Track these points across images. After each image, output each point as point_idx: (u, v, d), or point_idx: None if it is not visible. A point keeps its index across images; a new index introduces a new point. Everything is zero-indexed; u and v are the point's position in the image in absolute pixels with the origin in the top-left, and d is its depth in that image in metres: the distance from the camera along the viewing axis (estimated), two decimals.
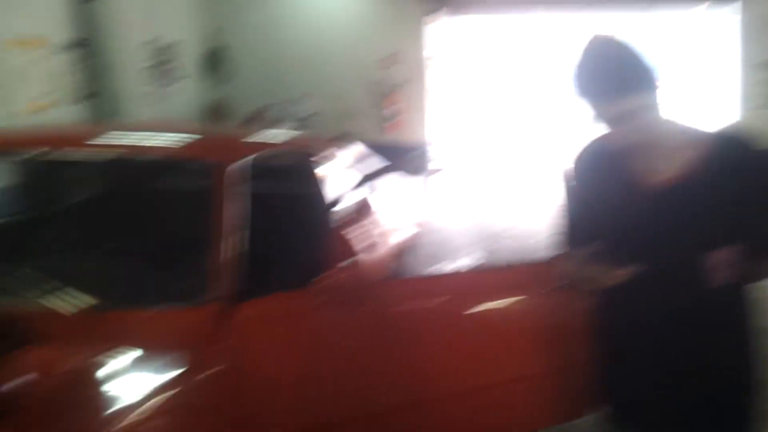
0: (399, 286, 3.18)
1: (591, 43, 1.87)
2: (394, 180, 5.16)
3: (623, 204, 1.94)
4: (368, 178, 4.47)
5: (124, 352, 2.35)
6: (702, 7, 13.81)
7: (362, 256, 3.66)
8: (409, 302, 3.01)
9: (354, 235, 3.76)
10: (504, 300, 3.16)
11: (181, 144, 3.57)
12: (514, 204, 10.23)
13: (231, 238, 2.77)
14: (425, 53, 11.23)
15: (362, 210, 4.13)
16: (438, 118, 11.87)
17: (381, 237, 4.20)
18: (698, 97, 18.63)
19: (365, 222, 4.07)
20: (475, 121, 22.23)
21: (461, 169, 12.01)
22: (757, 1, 10.12)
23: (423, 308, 2.99)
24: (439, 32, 11.73)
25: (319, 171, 3.85)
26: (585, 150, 2.13)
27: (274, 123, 9.99)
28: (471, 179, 11.58)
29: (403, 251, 4.62)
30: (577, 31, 19.34)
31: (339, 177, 4.13)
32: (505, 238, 8.03)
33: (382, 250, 4.11)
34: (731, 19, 10.59)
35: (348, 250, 2.95)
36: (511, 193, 11.02)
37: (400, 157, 11.12)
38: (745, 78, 10.33)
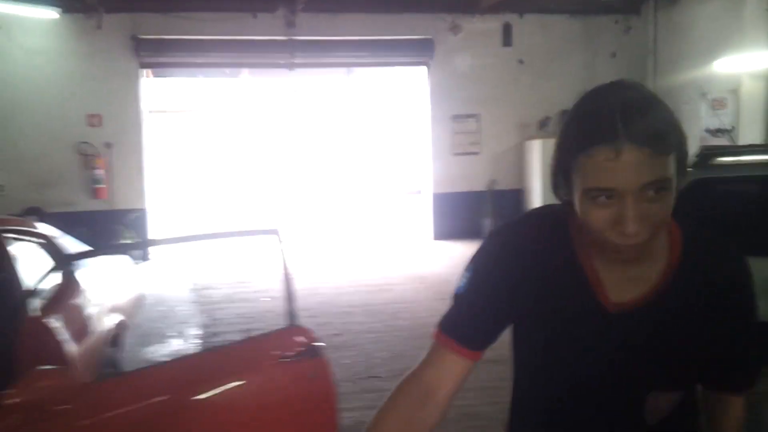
0: (114, 386, 2.78)
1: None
2: (100, 260, 4.65)
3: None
4: (68, 259, 3.96)
5: None
6: (396, 70, 15.31)
7: (68, 351, 3.18)
8: (127, 404, 2.63)
9: (56, 325, 3.27)
10: (231, 382, 2.94)
11: None
12: (233, 268, 10.00)
13: None
14: (141, 111, 10.62)
15: (63, 295, 3.63)
16: (154, 179, 11.30)
17: (88, 324, 3.73)
18: (398, 146, 20.37)
19: (68, 308, 3.58)
20: (192, 178, 21.83)
21: (178, 232, 11.59)
22: (440, 68, 11.38)
23: (144, 408, 2.64)
24: (156, 90, 11.26)
25: (9, 253, 3.31)
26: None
27: None
28: (189, 243, 11.05)
29: (115, 336, 4.16)
30: (283, 91, 20.31)
31: (32, 259, 3.60)
32: (231, 302, 7.79)
33: (90, 340, 3.64)
34: (422, 80, 11.81)
35: (49, 346, 2.51)
36: (230, 256, 10.80)
37: (114, 223, 10.41)
38: (434, 129, 11.50)
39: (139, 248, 10.84)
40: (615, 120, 1.16)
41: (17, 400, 2.30)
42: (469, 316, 1.50)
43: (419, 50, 11.47)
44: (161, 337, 6.45)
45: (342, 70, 15.67)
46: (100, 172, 10.21)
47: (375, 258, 10.49)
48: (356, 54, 11.65)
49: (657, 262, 1.33)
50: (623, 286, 1.34)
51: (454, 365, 1.50)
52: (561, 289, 1.38)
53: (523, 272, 1.40)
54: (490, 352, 1.51)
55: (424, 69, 11.76)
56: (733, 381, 1.42)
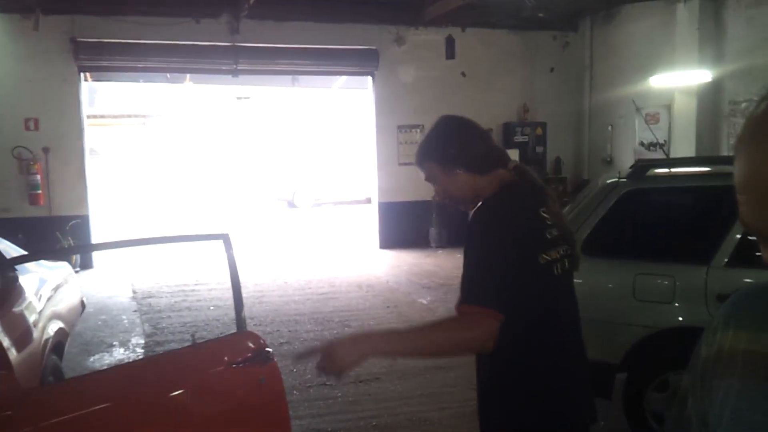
0: (56, 393, 2.73)
1: (455, 120, 2.19)
2: (39, 267, 4.53)
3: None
4: (7, 263, 3.86)
5: None
6: (337, 86, 15.42)
7: (10, 357, 3.10)
8: (70, 411, 2.58)
9: None
10: (180, 389, 2.91)
11: None
12: (178, 276, 9.86)
13: None
14: (81, 115, 10.35)
15: (4, 300, 3.54)
16: (96, 185, 11.02)
17: (30, 330, 3.64)
18: (345, 156, 20.46)
19: (9, 314, 3.49)
20: (135, 184, 21.40)
21: (122, 239, 11.28)
22: (385, 78, 11.51)
23: (87, 415, 2.59)
24: (97, 93, 10.99)
25: None
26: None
27: None
28: (134, 248, 10.86)
29: (57, 343, 4.07)
30: (227, 99, 20.19)
31: None
32: (172, 313, 7.66)
33: (32, 346, 3.55)
34: (367, 90, 11.90)
35: None
36: (176, 263, 10.63)
37: (53, 230, 10.08)
38: (379, 139, 11.61)
39: (80, 252, 10.54)
40: None
41: None
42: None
43: (364, 60, 11.55)
44: (104, 346, 6.31)
45: (287, 78, 15.59)
46: (37, 178, 9.89)
47: (322, 266, 10.48)
48: (301, 62, 11.62)
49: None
50: None
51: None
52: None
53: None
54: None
55: (368, 79, 11.86)
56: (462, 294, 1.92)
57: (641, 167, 4.43)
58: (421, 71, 11.66)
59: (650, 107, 10.42)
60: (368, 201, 13.37)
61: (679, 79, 9.38)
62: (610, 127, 11.69)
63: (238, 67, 11.14)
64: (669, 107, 10.14)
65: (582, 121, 12.51)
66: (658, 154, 10.09)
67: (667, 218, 4.47)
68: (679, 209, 4.58)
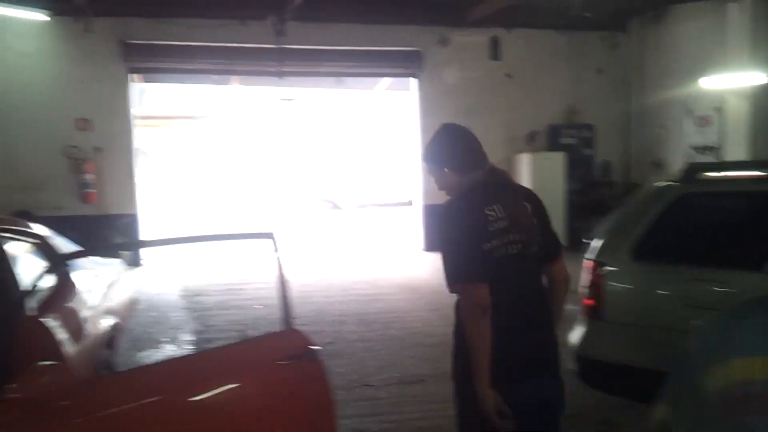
0: (111, 384, 2.78)
1: (449, 128, 2.76)
2: (92, 261, 4.65)
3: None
4: (63, 259, 3.96)
5: None
6: (381, 88, 15.46)
7: (65, 350, 3.18)
8: (124, 402, 2.63)
9: (53, 325, 3.27)
10: (228, 384, 2.95)
11: None
12: (226, 274, 10.00)
13: None
14: (130, 116, 10.59)
15: (59, 295, 3.63)
16: (145, 184, 11.26)
17: (83, 325, 3.73)
18: (388, 158, 20.49)
19: (64, 309, 3.58)
20: (183, 185, 21.76)
21: (172, 236, 11.48)
22: (429, 80, 11.48)
23: (139, 407, 2.64)
24: (146, 95, 11.24)
25: (5, 252, 3.31)
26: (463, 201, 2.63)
27: None
28: (183, 246, 11.04)
29: (107, 340, 4.16)
30: (272, 101, 20.37)
31: (28, 259, 3.60)
32: (224, 309, 7.78)
33: (86, 341, 3.64)
34: (412, 91, 11.87)
35: (47, 345, 2.51)
36: (224, 261, 10.78)
37: (105, 227, 10.34)
38: (423, 140, 11.54)
39: (132, 248, 10.79)
40: None
41: (18, 395, 2.29)
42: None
43: (408, 61, 11.56)
44: (154, 342, 6.44)
45: (331, 80, 15.70)
46: (89, 176, 10.17)
47: (366, 267, 10.52)
48: (345, 63, 11.69)
49: None
50: None
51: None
52: None
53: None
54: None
55: (412, 80, 11.85)
56: None
57: (693, 170, 4.32)
58: (465, 72, 11.61)
59: (701, 110, 10.18)
60: (410, 204, 13.35)
61: (731, 81, 9.15)
62: (659, 130, 11.45)
63: (283, 69, 11.26)
64: (720, 110, 9.89)
65: (630, 123, 12.29)
66: (710, 158, 9.85)
67: (720, 222, 4.34)
68: (732, 213, 4.44)
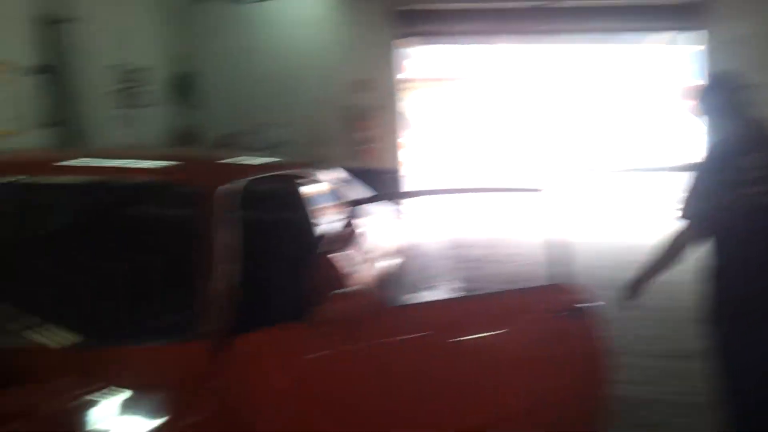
0: (394, 315, 3.05)
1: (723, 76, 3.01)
2: (376, 206, 5.05)
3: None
4: (352, 203, 4.36)
5: (108, 393, 2.17)
6: (665, 38, 14.26)
7: (357, 284, 3.54)
8: (404, 332, 2.86)
9: (345, 262, 3.64)
10: (507, 328, 3.05)
11: (167, 168, 3.37)
12: (491, 227, 10.19)
13: (222, 268, 2.57)
14: (397, 78, 11.22)
15: (350, 236, 4.01)
16: (411, 143, 11.86)
17: (369, 263, 4.09)
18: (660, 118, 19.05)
19: (354, 248, 3.96)
20: (447, 145, 22.40)
21: (434, 193, 11.92)
22: (720, 29, 10.39)
23: (422, 338, 2.86)
24: (411, 58, 11.79)
25: (307, 196, 3.74)
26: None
27: (245, 149, 9.83)
28: (446, 203, 11.49)
29: (389, 278, 4.51)
30: (539, 61, 19.89)
31: (326, 202, 4.02)
32: (487, 262, 7.96)
33: (371, 278, 3.99)
34: (694, 48, 10.85)
35: (341, 278, 2.81)
36: (488, 216, 11.00)
37: (374, 182, 11.09)
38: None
39: (415, 196, 11.57)
40: None
41: (326, 314, 2.57)
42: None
43: (689, 15, 10.60)
44: (418, 290, 6.82)
45: (597, 37, 15.00)
46: (363, 134, 11.01)
47: (635, 234, 10.04)
48: (619, 20, 11.09)
49: None
50: None
51: None
52: None
53: None
54: None
55: (694, 34, 10.85)
56: None
57: None
58: (757, 25, 10.32)
59: None
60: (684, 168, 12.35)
61: None
62: None
63: (550, 28, 11.01)
64: None
65: None
66: None
67: None
68: None
